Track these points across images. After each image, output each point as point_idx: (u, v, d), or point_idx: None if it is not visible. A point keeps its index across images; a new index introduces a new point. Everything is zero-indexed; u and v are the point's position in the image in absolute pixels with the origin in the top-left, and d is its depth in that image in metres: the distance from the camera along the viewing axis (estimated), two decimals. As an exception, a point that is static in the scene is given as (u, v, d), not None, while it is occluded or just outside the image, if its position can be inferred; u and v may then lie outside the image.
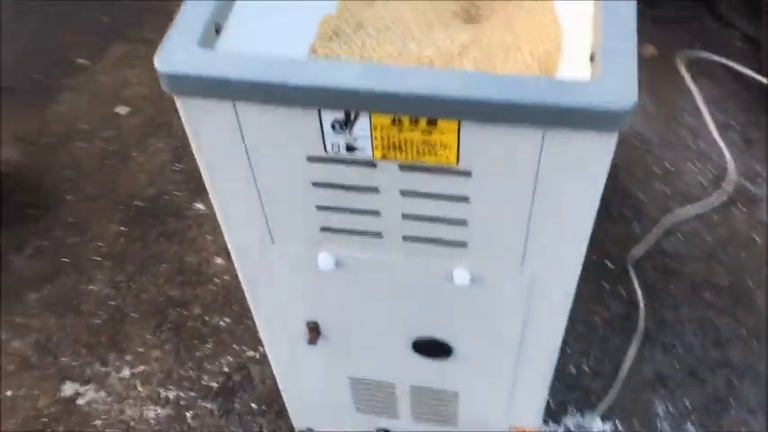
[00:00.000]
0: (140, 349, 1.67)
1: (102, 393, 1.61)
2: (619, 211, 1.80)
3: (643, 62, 2.06)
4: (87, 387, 1.62)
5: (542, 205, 0.81)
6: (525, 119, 0.70)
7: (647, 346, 1.59)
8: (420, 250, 0.91)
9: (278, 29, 0.99)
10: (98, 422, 1.57)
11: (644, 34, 2.14)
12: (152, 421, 1.56)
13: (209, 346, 1.66)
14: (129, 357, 1.65)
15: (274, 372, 1.28)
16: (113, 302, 1.74)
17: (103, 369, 1.64)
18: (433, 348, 1.10)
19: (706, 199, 1.80)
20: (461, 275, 0.93)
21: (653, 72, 2.08)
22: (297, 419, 1.45)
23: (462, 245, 0.89)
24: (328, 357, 1.19)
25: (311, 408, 1.40)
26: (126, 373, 1.64)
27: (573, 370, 1.57)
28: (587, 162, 0.74)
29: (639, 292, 1.63)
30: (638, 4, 2.22)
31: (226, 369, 1.62)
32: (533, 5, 1.10)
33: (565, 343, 1.59)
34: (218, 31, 0.81)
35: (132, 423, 1.56)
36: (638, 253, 1.71)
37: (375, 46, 1.03)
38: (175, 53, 0.75)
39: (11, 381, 1.63)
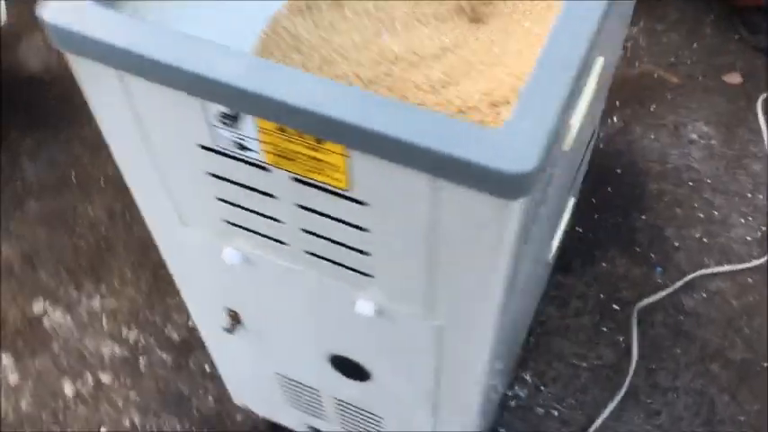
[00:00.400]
0: (116, 283, 1.64)
1: (68, 318, 1.60)
2: (645, 250, 1.63)
3: (724, 90, 1.85)
4: (56, 308, 1.61)
5: (442, 258, 0.69)
6: (410, 159, 0.59)
7: (629, 407, 1.44)
8: (325, 269, 0.81)
9: None
10: (56, 345, 1.56)
11: (735, 60, 1.92)
12: (106, 357, 1.55)
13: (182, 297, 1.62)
14: (103, 288, 1.64)
15: (207, 346, 1.23)
16: (104, 230, 1.72)
17: (76, 294, 1.63)
18: (349, 369, 1.00)
19: (745, 259, 1.60)
20: (365, 306, 0.82)
21: (731, 104, 1.86)
22: (234, 395, 1.39)
23: (367, 275, 0.79)
24: (252, 348, 1.12)
25: (246, 389, 1.34)
26: (96, 303, 1.62)
27: (540, 411, 1.44)
28: (483, 227, 0.62)
29: (636, 346, 1.48)
30: (739, 28, 1.97)
31: (190, 324, 1.58)
32: (541, 16, 0.96)
33: (540, 380, 1.47)
34: (128, -14, 0.72)
35: (87, 355, 1.55)
36: (651, 303, 1.54)
37: (343, 29, 0.92)
38: (64, 4, 0.67)
39: (-12, 285, 1.65)
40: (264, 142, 0.67)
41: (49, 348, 1.56)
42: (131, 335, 1.57)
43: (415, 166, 0.59)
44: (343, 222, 0.72)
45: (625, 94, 1.87)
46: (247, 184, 0.74)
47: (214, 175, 0.76)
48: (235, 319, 1.05)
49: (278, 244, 0.82)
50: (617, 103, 1.85)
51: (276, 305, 0.96)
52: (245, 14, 0.86)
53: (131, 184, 0.86)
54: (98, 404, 1.49)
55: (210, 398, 1.48)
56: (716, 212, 1.68)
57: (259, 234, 0.82)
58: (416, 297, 0.77)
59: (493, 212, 0.59)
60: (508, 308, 0.84)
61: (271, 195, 0.74)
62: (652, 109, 1.85)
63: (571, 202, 1.35)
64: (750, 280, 1.58)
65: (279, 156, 0.68)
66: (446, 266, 0.70)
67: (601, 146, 1.79)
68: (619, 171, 1.75)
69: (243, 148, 0.70)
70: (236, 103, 0.63)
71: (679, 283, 1.56)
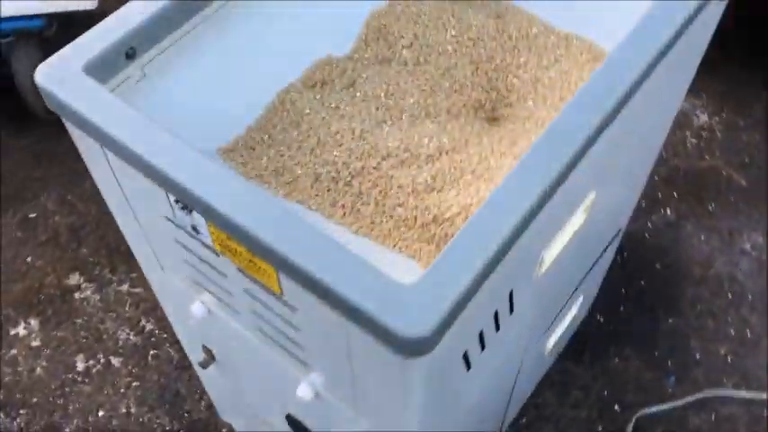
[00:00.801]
0: (147, 272, 1.73)
1: (97, 297, 1.70)
2: (663, 356, 1.57)
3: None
4: (89, 285, 1.72)
5: (361, 374, 0.71)
6: (325, 296, 0.60)
7: None
8: (273, 347, 0.84)
9: (266, 49, 0.93)
10: (79, 320, 1.67)
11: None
12: (120, 342, 1.64)
13: (203, 298, 1.69)
14: (134, 275, 1.73)
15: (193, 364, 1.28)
16: (149, 219, 1.81)
17: (109, 275, 1.73)
18: (300, 429, 1.03)
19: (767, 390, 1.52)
20: (305, 390, 0.84)
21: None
22: (219, 412, 1.45)
23: (304, 364, 0.81)
24: (226, 383, 1.16)
25: (227, 410, 1.39)
26: (125, 288, 1.71)
27: (512, 497, 1.43)
28: (390, 374, 0.63)
29: (624, 457, 1.44)
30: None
31: (203, 327, 1.65)
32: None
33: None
34: (130, 55, 0.76)
35: (104, 336, 1.64)
36: (655, 412, 1.49)
37: (347, 113, 0.94)
38: (58, 71, 0.72)
39: (36, 249, 1.77)
40: (212, 233, 0.71)
41: (73, 321, 1.66)
42: (148, 326, 1.66)
43: (327, 302, 0.61)
44: (281, 318, 0.75)
45: (685, 186, 1.80)
46: (203, 258, 0.78)
47: (180, 244, 0.80)
48: (209, 355, 1.09)
49: (235, 312, 0.85)
50: (674, 194, 1.79)
51: (239, 358, 1.00)
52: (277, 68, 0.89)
53: (120, 226, 0.92)
54: (103, 385, 1.58)
55: (203, 404, 1.54)
56: (749, 332, 1.60)
57: (219, 300, 0.86)
58: (345, 396, 0.79)
59: (396, 363, 0.60)
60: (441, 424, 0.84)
61: (223, 274, 0.78)
62: (710, 208, 1.77)
63: (579, 300, 1.32)
64: (766, 413, 1.50)
65: (224, 247, 0.71)
66: (365, 381, 0.72)
67: (646, 235, 1.73)
68: (658, 266, 1.69)
69: (197, 230, 0.73)
70: (188, 199, 0.67)
71: (689, 399, 1.50)
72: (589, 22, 0.96)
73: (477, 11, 1.05)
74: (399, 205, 0.87)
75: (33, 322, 1.66)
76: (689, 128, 1.91)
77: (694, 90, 1.96)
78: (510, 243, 0.64)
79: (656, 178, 1.81)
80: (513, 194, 0.65)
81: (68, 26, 1.81)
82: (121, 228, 0.92)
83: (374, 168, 0.89)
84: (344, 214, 0.87)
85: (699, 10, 0.79)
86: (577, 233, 0.95)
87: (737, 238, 1.73)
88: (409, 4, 1.04)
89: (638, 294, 1.65)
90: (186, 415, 1.54)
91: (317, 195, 0.88)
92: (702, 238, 1.73)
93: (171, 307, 1.06)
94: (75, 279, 1.73)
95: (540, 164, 0.67)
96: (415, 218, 0.86)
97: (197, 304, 0.91)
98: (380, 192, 0.87)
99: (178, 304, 0.99)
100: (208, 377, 1.27)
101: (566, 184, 0.70)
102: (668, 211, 1.77)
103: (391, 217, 0.86)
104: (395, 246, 0.86)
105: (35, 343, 1.63)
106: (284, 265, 0.61)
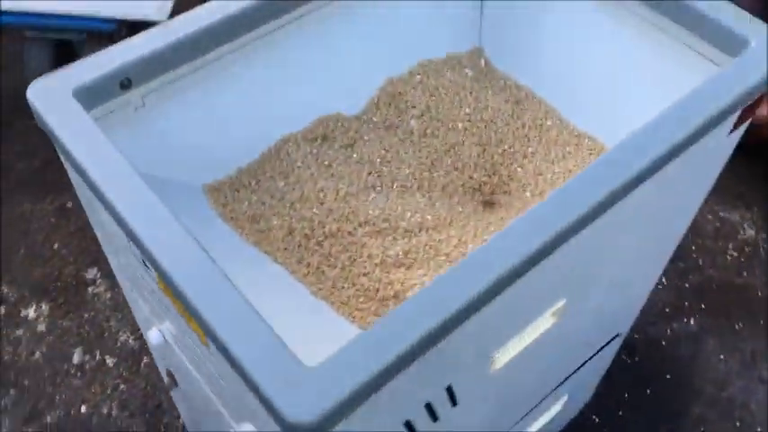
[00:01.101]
0: (160, 280, 1.77)
1: (108, 295, 1.74)
2: (654, 472, 1.50)
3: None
4: (104, 281, 1.76)
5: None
6: (230, 362, 0.60)
7: None
8: (211, 389, 0.84)
9: (276, 96, 0.94)
10: (86, 314, 1.71)
11: None
12: (119, 343, 1.67)
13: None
14: (147, 280, 1.76)
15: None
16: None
17: (124, 276, 1.77)
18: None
19: None
20: (236, 440, 0.84)
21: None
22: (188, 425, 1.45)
23: (236, 414, 0.81)
24: (188, 408, 1.17)
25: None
26: (136, 291, 1.75)
27: None
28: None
29: None
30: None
31: (200, 345, 1.66)
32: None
33: None
34: (125, 85, 0.79)
35: (105, 334, 1.68)
36: None
37: (338, 172, 0.94)
38: (49, 90, 0.74)
39: (65, 238, 1.83)
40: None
41: (80, 314, 1.71)
42: (148, 333, 1.68)
43: (233, 368, 0.60)
44: (209, 363, 0.75)
45: (715, 299, 1.72)
46: (153, 290, 0.79)
47: (136, 269, 0.81)
48: (172, 379, 1.10)
49: (183, 346, 0.86)
50: (702, 305, 1.71)
51: (190, 390, 1.00)
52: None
53: (99, 239, 0.94)
54: (92, 383, 1.61)
55: (180, 421, 1.55)
56: (753, 465, 1.50)
57: (170, 331, 0.86)
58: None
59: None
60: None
61: (168, 309, 0.78)
62: (737, 327, 1.69)
63: (563, 398, 1.27)
64: None
65: (165, 287, 0.72)
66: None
67: (663, 342, 1.66)
68: (668, 377, 1.61)
69: (146, 265, 0.74)
70: (129, 236, 0.68)
71: None
72: (619, 129, 0.93)
73: (497, 93, 1.04)
74: (364, 274, 0.86)
75: (44, 307, 1.72)
76: (732, 240, 1.83)
77: (745, 202, 1.88)
78: (430, 340, 0.62)
79: (687, 286, 1.74)
80: (447, 289, 0.63)
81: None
82: (98, 236, 0.94)
83: (349, 233, 0.88)
84: (308, 273, 0.87)
85: (699, 134, 0.76)
86: (549, 336, 0.92)
87: (759, 363, 1.63)
88: (429, 76, 1.04)
89: (641, 402, 1.58)
90: (163, 428, 1.55)
91: (285, 249, 0.88)
92: (722, 356, 1.64)
93: (143, 327, 1.07)
94: (92, 273, 1.78)
95: (483, 264, 0.65)
96: (377, 290, 0.85)
97: (154, 331, 0.92)
98: (349, 257, 0.87)
99: (143, 326, 1.01)
100: (176, 398, 1.28)
101: (515, 288, 0.67)
102: (692, 322, 1.69)
103: (353, 285, 0.86)
104: (350, 314, 0.85)
105: (41, 328, 1.68)
106: (198, 320, 0.61)
